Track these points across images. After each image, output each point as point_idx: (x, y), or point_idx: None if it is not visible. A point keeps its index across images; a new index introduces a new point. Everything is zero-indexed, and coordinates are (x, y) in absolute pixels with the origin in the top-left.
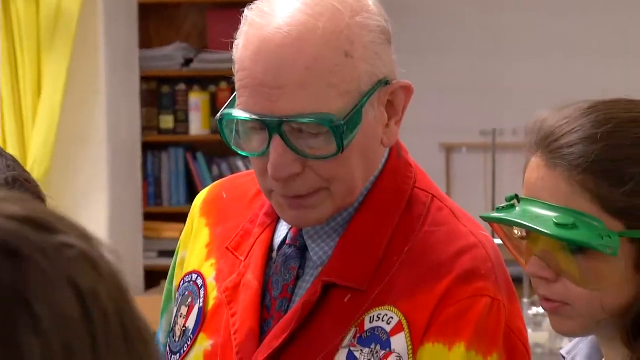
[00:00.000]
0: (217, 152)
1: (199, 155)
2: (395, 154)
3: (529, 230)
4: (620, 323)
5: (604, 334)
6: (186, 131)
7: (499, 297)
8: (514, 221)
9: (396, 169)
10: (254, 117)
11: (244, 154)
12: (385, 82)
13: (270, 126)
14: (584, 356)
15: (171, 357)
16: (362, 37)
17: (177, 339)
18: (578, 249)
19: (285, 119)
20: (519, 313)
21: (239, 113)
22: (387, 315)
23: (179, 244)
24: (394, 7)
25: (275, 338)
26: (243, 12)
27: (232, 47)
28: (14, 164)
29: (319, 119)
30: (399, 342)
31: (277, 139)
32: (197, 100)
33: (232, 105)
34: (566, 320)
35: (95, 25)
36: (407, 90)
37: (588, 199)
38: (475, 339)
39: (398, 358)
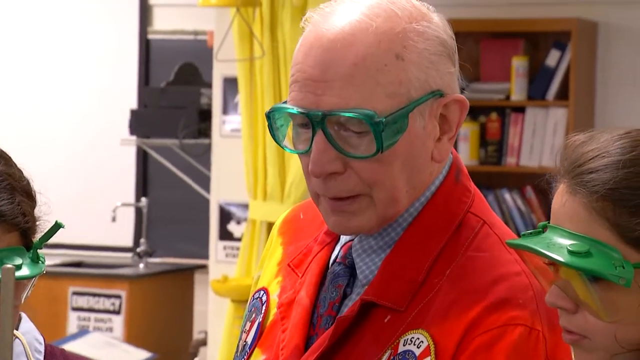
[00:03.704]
0: (484, 183)
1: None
2: (453, 177)
3: (545, 258)
4: (637, 357)
5: None
6: None
7: (537, 326)
8: (531, 247)
9: (451, 192)
10: (299, 110)
11: (291, 151)
12: (440, 95)
13: (314, 120)
14: None
15: None
16: (416, 43)
17: (238, 354)
18: (594, 278)
19: (327, 113)
20: (567, 348)
21: (287, 107)
22: (418, 338)
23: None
24: None
25: (311, 355)
26: (516, 42)
27: (504, 78)
28: None
29: (360, 114)
30: None
31: (319, 134)
32: (466, 130)
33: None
34: (587, 353)
35: None
36: (462, 105)
37: (606, 227)
38: None
39: None
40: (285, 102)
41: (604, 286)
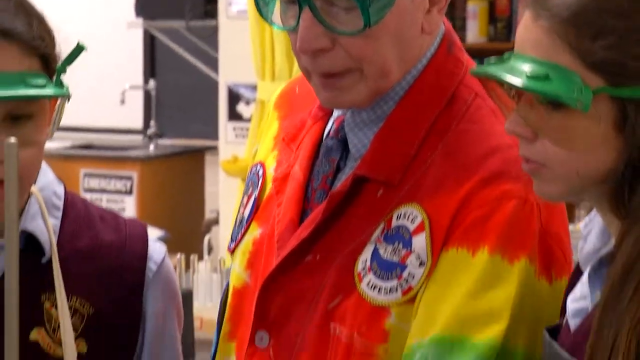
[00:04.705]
0: None
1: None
2: (445, 49)
3: (504, 83)
4: (602, 191)
5: (593, 200)
6: (463, 39)
7: (531, 198)
8: (490, 73)
9: (442, 65)
10: None
11: (279, 28)
12: None
13: None
14: (599, 228)
15: (230, 244)
16: None
17: (236, 227)
18: (553, 105)
19: None
20: (561, 218)
21: None
22: (412, 213)
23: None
24: None
25: (304, 229)
26: None
27: None
28: None
29: None
30: (419, 242)
31: (306, 10)
32: (474, 7)
33: None
34: (545, 183)
35: None
36: None
37: (567, 51)
38: (500, 242)
39: (417, 258)
40: None
41: (563, 113)
